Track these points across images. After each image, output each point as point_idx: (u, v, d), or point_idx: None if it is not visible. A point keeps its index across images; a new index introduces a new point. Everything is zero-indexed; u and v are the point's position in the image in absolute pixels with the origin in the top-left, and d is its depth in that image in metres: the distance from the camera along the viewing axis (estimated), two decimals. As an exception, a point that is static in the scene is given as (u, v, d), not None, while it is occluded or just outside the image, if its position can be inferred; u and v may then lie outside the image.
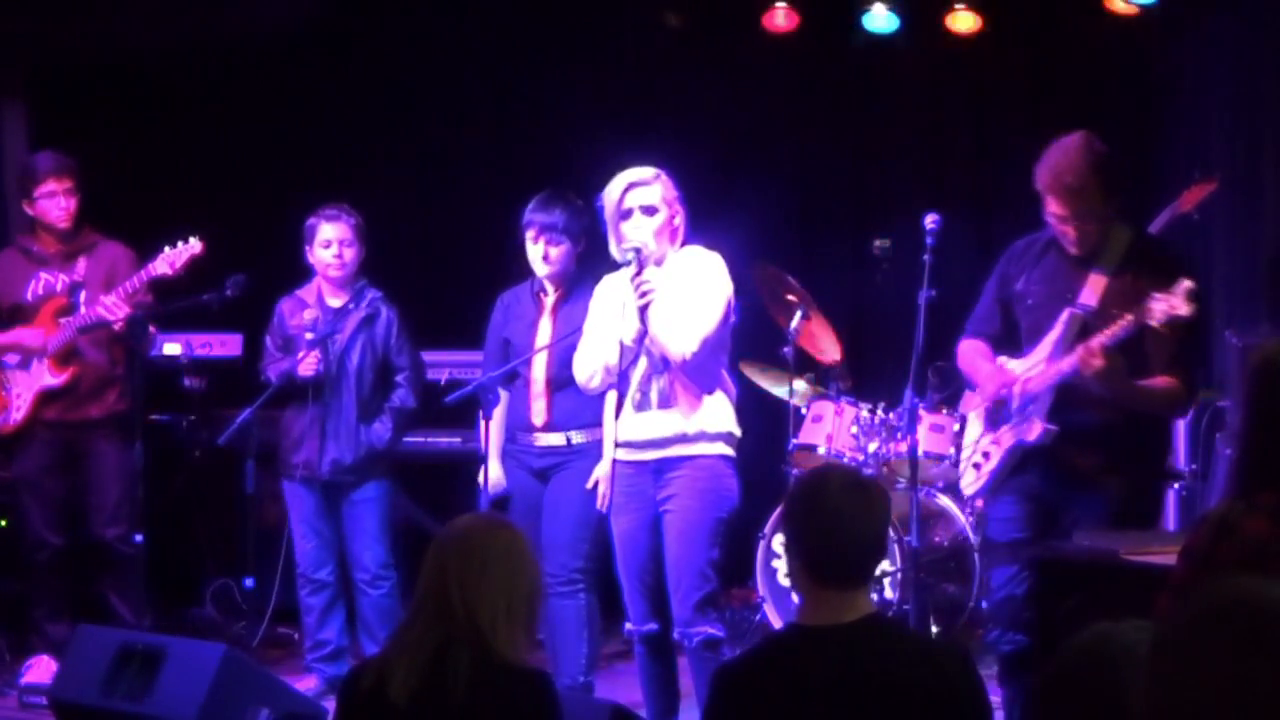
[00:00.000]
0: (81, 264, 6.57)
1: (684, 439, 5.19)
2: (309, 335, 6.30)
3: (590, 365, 5.32)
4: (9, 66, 8.12)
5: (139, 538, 6.41)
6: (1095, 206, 4.90)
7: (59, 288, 6.55)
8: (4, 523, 7.15)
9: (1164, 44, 7.84)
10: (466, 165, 8.43)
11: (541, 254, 5.89)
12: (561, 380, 5.81)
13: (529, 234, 5.92)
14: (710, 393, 5.22)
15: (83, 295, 6.49)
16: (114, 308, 6.32)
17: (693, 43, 8.46)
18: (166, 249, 6.38)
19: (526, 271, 6.03)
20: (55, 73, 8.11)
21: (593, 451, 5.76)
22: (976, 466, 5.22)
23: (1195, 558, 3.17)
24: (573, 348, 5.69)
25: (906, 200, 7.96)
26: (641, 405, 5.23)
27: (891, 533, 6.77)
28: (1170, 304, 4.60)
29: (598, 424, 5.72)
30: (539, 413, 5.87)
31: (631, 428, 5.24)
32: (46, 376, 6.48)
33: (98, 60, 8.02)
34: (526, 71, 8.46)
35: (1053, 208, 4.95)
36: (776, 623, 6.81)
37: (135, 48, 7.96)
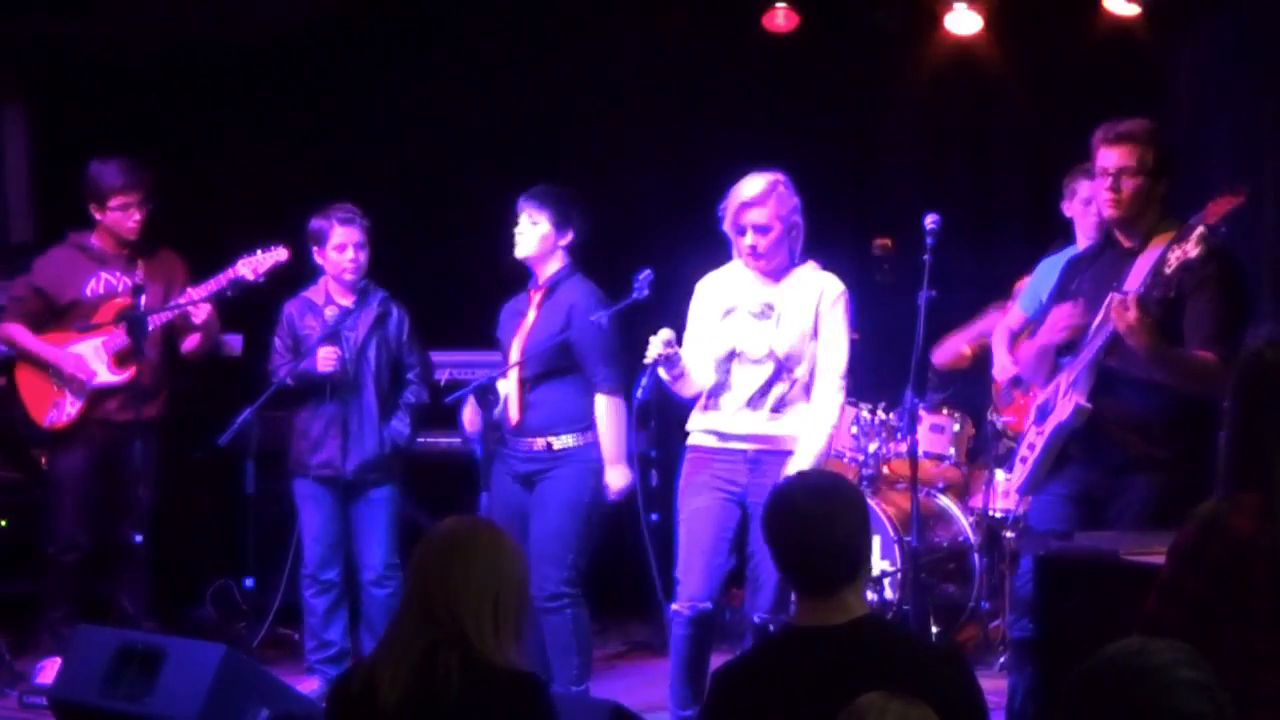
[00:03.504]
0: (141, 267, 6.57)
1: (785, 440, 5.32)
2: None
3: (699, 382, 5.43)
4: (9, 66, 8.13)
5: (139, 538, 6.41)
6: (1141, 162, 4.86)
7: (120, 289, 6.54)
8: (4, 523, 7.15)
9: (1164, 44, 7.84)
10: (464, 165, 8.42)
11: (517, 230, 5.89)
12: (533, 379, 5.82)
13: (518, 216, 5.92)
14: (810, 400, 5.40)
15: (144, 298, 6.48)
16: (199, 301, 6.36)
17: (693, 43, 8.47)
18: (248, 254, 6.39)
19: (519, 271, 6.03)
20: (55, 73, 8.11)
21: (580, 456, 5.79)
22: (1023, 460, 5.20)
23: (1183, 556, 3.18)
24: (545, 345, 5.76)
25: (906, 200, 7.97)
26: (755, 405, 5.37)
27: (891, 533, 6.79)
28: (1184, 249, 4.56)
29: (587, 427, 5.77)
30: (513, 412, 5.85)
31: (738, 422, 5.38)
32: (106, 373, 6.48)
33: (98, 60, 8.02)
34: (526, 72, 8.46)
35: (1101, 162, 4.91)
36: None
37: (135, 48, 7.96)
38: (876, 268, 7.35)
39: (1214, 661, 2.33)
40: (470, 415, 5.96)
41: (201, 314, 6.44)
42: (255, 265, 6.40)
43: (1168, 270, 4.60)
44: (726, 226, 5.42)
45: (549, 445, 5.82)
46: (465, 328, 6.69)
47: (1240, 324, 4.88)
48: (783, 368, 5.35)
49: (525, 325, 5.89)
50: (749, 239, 5.36)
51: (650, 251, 5.88)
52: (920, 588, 6.41)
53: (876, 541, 6.80)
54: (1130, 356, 4.78)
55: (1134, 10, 7.73)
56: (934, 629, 6.75)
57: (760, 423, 5.36)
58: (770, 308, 5.40)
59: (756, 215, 5.36)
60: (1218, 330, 4.78)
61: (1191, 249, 4.55)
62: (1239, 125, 7.52)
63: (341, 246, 6.33)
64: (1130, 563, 4.14)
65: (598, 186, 7.21)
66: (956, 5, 8.07)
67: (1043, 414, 5.16)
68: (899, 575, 6.69)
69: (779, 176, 5.45)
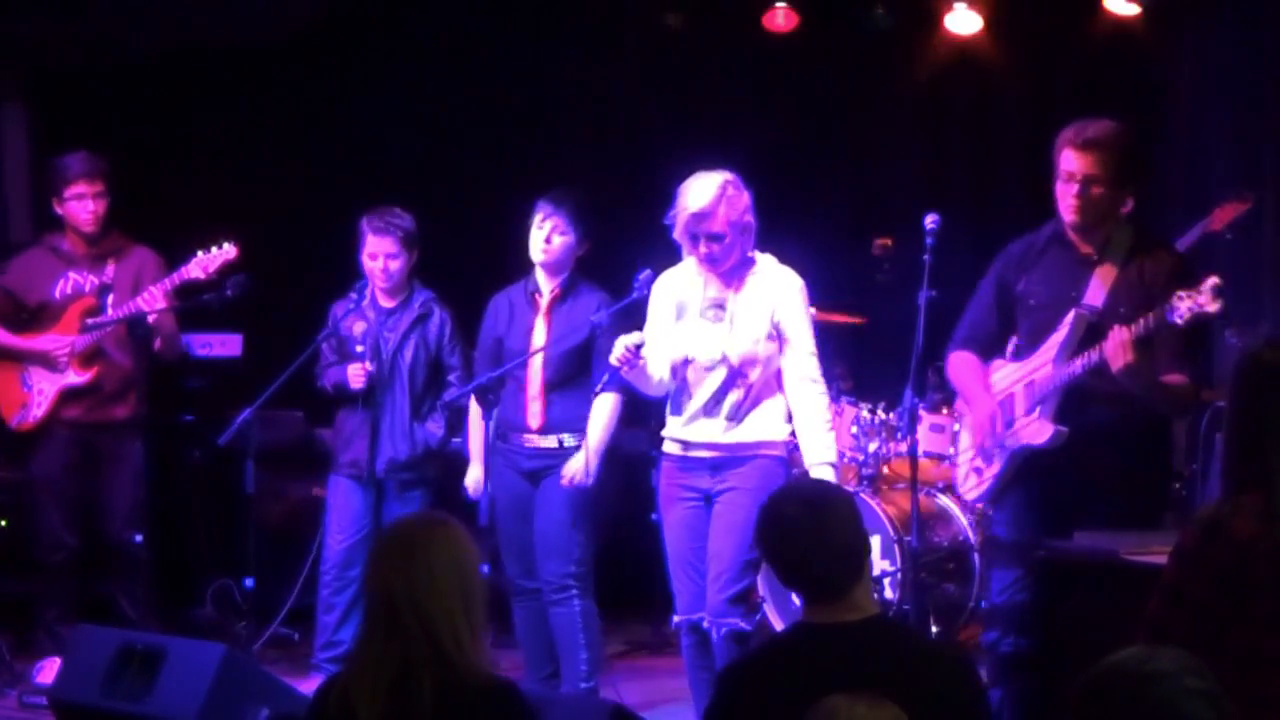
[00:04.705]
0: (110, 267, 6.57)
1: (744, 446, 5.27)
2: (359, 348, 6.29)
3: (655, 379, 5.38)
4: (9, 67, 8.12)
5: (139, 538, 6.40)
6: (1109, 172, 4.83)
7: (87, 289, 6.54)
8: (4, 523, 7.14)
9: (1164, 44, 7.84)
10: (465, 166, 8.42)
11: (544, 238, 5.86)
12: (556, 382, 5.84)
13: (536, 217, 5.87)
14: (772, 397, 5.31)
15: (111, 298, 6.47)
16: (152, 300, 6.35)
17: (693, 43, 8.47)
18: (200, 253, 6.39)
19: (521, 271, 6.02)
20: (55, 73, 8.11)
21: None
22: (978, 471, 5.19)
23: (1185, 558, 3.18)
24: (568, 350, 5.75)
25: (906, 200, 7.98)
26: (711, 412, 5.29)
27: (892, 532, 6.78)
28: (1197, 301, 4.53)
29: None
30: (535, 415, 5.87)
31: (696, 430, 5.32)
32: (70, 375, 6.47)
33: (98, 61, 8.01)
34: (526, 72, 8.46)
35: (1065, 165, 4.87)
36: (777, 623, 6.81)
37: (135, 49, 7.96)
38: (877, 268, 7.35)
39: (1218, 664, 2.34)
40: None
41: (153, 315, 6.42)
42: (205, 264, 6.40)
43: (1176, 319, 4.54)
44: (677, 235, 5.28)
45: (560, 443, 5.84)
46: (463, 329, 6.68)
47: (1204, 338, 4.92)
48: (736, 373, 5.25)
49: (538, 333, 5.88)
50: (703, 248, 5.24)
51: (649, 251, 5.86)
52: (920, 588, 6.41)
53: (876, 541, 6.80)
54: (1106, 377, 4.76)
55: (1134, 10, 7.74)
56: (934, 629, 6.75)
57: (718, 432, 5.28)
58: (723, 309, 5.30)
59: (709, 225, 5.20)
60: (1185, 347, 4.80)
61: (1209, 304, 4.49)
62: (1239, 125, 7.52)
63: (373, 255, 6.28)
64: (1129, 563, 4.14)
65: (597, 185, 7.21)
66: (956, 5, 8.08)
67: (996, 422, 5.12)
68: (899, 575, 6.69)
69: (727, 178, 5.27)
